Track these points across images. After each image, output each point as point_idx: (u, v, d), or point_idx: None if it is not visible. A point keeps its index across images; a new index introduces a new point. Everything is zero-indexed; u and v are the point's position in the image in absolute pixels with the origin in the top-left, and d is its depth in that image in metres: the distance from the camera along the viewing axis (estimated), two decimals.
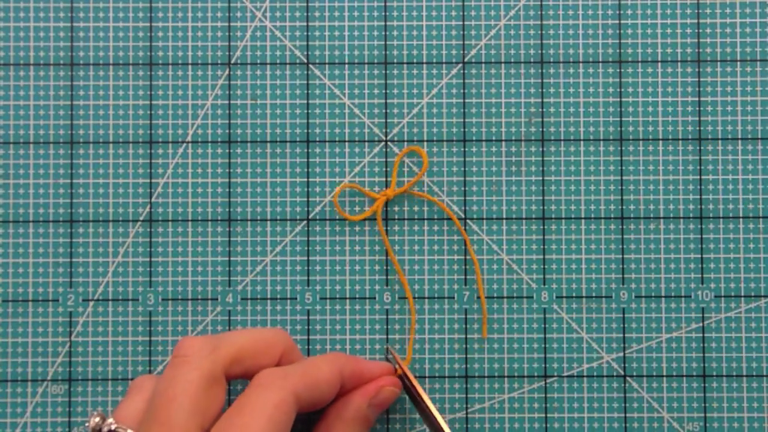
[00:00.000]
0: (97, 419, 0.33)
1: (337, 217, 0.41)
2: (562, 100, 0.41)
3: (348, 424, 0.36)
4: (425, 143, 0.41)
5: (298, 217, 0.41)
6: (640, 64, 0.41)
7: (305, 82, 0.41)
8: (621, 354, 0.40)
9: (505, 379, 0.40)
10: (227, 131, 0.41)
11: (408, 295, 0.40)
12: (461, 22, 0.41)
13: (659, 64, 0.41)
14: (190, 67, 0.41)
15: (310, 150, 0.41)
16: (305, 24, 0.41)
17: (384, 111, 0.41)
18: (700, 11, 0.41)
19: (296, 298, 0.41)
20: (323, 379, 0.34)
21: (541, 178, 0.41)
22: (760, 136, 0.41)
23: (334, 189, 0.41)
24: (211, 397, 0.32)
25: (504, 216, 0.41)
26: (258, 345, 0.35)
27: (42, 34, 0.41)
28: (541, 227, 0.41)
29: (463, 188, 0.41)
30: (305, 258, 0.41)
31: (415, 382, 0.37)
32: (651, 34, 0.41)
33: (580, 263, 0.41)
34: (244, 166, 0.41)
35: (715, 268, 0.40)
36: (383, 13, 0.41)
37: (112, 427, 0.33)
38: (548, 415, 0.40)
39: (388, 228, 0.41)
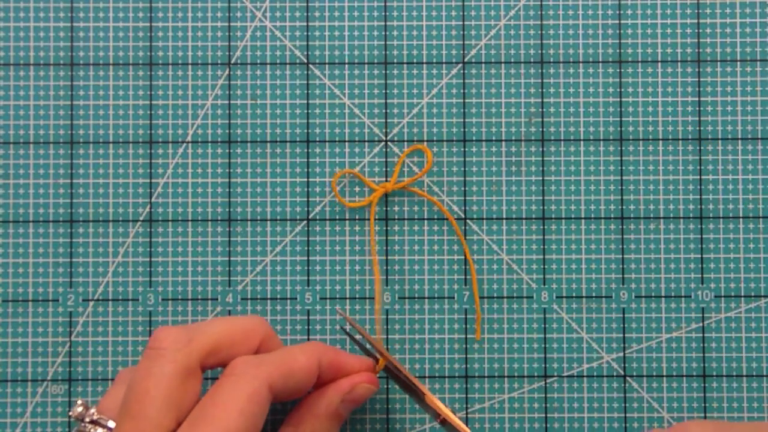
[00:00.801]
0: (80, 409, 0.33)
1: (337, 217, 0.41)
2: (562, 100, 0.41)
3: (319, 419, 0.35)
4: (425, 143, 0.41)
5: (298, 217, 0.41)
6: (640, 64, 0.41)
7: (305, 82, 0.41)
8: (621, 354, 0.40)
9: (505, 379, 0.40)
10: (227, 131, 0.41)
11: (377, 286, 0.41)
12: (461, 22, 0.41)
13: (659, 64, 0.41)
14: (190, 67, 0.41)
15: (310, 150, 0.41)
16: (305, 24, 0.41)
17: (384, 111, 0.41)
18: (700, 11, 0.41)
19: (296, 298, 0.41)
20: (299, 369, 0.34)
21: (541, 178, 0.41)
22: (760, 136, 0.41)
23: (333, 189, 0.41)
24: (186, 389, 0.32)
25: (504, 216, 0.41)
26: (235, 335, 0.34)
27: (42, 34, 0.41)
28: (541, 227, 0.41)
29: (463, 188, 0.41)
30: (305, 258, 0.41)
31: (387, 355, 0.37)
32: (651, 34, 0.41)
33: (580, 263, 0.41)
34: (244, 166, 0.41)
35: (715, 268, 0.40)
36: (383, 13, 0.41)
37: (94, 417, 0.33)
38: (548, 415, 0.40)
39: (388, 228, 0.41)
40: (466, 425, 0.40)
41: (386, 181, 0.41)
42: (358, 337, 0.40)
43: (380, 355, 0.37)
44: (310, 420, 0.35)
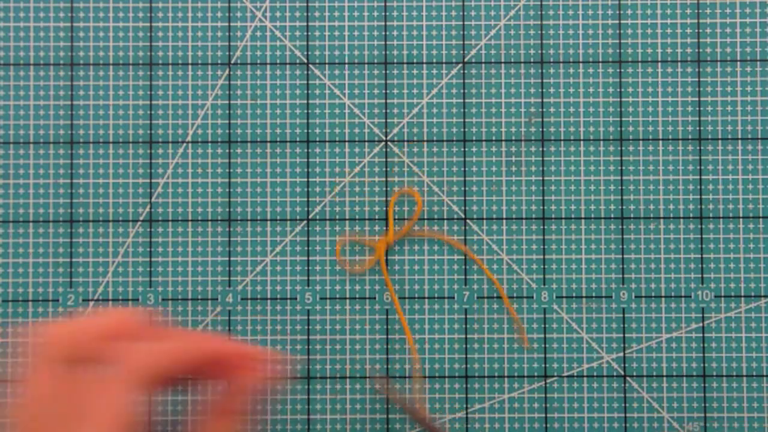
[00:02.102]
0: None
1: (337, 217, 0.41)
2: (562, 100, 0.41)
3: (222, 418, 0.35)
4: (425, 143, 0.41)
5: (298, 217, 0.41)
6: (640, 64, 0.41)
7: (305, 82, 0.41)
8: (621, 354, 0.40)
9: (505, 379, 0.40)
10: (227, 131, 0.41)
11: (415, 361, 0.41)
12: (461, 22, 0.41)
13: (659, 64, 0.41)
14: (190, 67, 0.41)
15: (310, 150, 0.41)
16: (305, 24, 0.41)
17: (384, 111, 0.41)
18: (700, 11, 0.41)
19: (296, 298, 0.41)
20: (174, 360, 0.33)
21: (541, 178, 0.41)
22: (760, 136, 0.41)
23: (333, 189, 0.41)
24: (59, 385, 0.32)
25: (504, 216, 0.41)
26: (108, 328, 0.34)
27: (42, 34, 0.41)
28: (541, 227, 0.41)
29: (463, 188, 0.41)
30: (305, 258, 0.41)
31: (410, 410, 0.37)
32: (651, 34, 0.41)
33: (580, 263, 0.41)
34: (244, 166, 0.41)
35: (715, 268, 0.40)
36: (383, 13, 0.41)
37: None
38: (548, 415, 0.40)
39: (388, 228, 0.41)
40: (466, 425, 0.40)
41: (386, 230, 0.41)
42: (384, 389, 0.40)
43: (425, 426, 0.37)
44: (210, 422, 0.35)
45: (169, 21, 0.41)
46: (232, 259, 0.41)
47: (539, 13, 0.41)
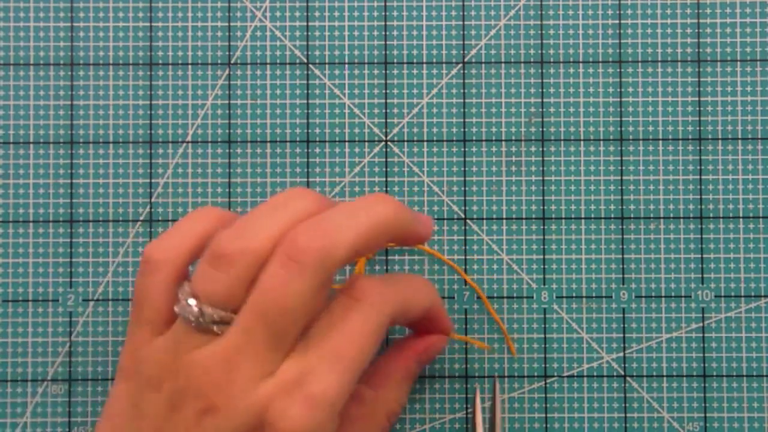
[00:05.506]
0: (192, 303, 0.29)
1: None
2: (562, 100, 0.41)
3: (399, 384, 0.37)
4: (425, 143, 0.41)
5: None
6: (640, 64, 0.41)
7: (305, 82, 0.41)
8: (621, 354, 0.40)
9: (505, 379, 0.40)
10: (227, 131, 0.41)
11: None
12: (461, 22, 0.41)
13: (659, 64, 0.41)
14: (190, 67, 0.41)
15: (310, 150, 0.41)
16: (305, 24, 0.41)
17: (384, 111, 0.41)
18: (700, 11, 0.41)
19: None
20: (417, 308, 0.33)
21: (541, 178, 0.41)
22: (760, 136, 0.41)
23: (333, 189, 0.41)
24: (318, 300, 0.30)
25: (504, 216, 0.41)
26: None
27: (42, 34, 0.41)
28: (541, 227, 0.41)
29: (463, 188, 0.41)
30: None
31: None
32: (651, 34, 0.41)
33: (580, 263, 0.41)
34: (244, 166, 0.41)
35: (715, 268, 0.40)
36: (383, 13, 0.41)
37: (214, 316, 0.29)
38: (548, 415, 0.40)
39: None
40: (466, 425, 0.40)
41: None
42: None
43: None
44: (391, 385, 0.36)
45: (169, 21, 0.41)
46: None
47: (539, 13, 0.41)
